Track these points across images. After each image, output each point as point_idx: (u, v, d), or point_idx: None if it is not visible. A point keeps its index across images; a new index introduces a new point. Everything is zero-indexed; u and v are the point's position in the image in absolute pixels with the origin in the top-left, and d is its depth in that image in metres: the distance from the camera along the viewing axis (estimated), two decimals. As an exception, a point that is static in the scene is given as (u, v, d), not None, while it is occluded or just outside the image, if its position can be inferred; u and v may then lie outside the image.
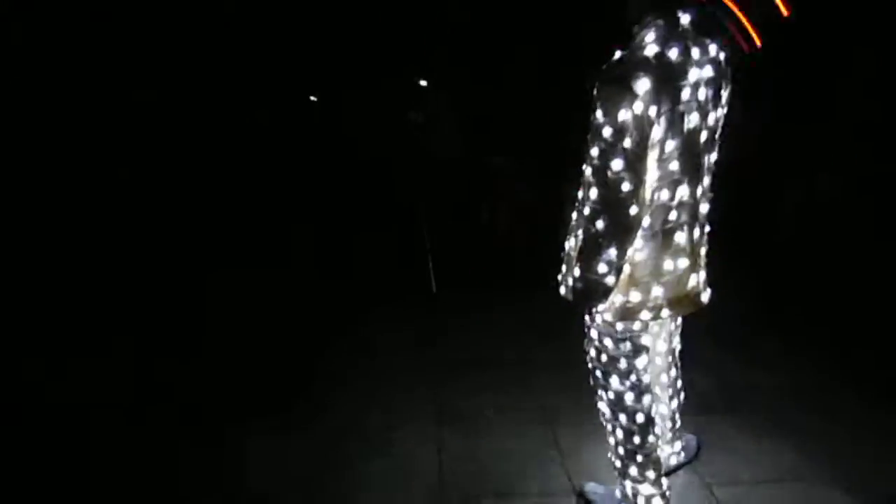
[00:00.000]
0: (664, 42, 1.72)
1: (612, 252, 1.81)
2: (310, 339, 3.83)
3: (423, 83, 13.12)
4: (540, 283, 4.97)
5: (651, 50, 1.71)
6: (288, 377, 3.35)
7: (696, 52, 1.74)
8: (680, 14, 1.76)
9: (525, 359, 3.51)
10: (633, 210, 1.77)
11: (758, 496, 2.36)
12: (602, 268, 1.84)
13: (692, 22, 1.76)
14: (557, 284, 2.15)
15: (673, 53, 1.71)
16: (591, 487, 2.36)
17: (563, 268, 2.13)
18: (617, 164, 1.72)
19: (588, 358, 2.18)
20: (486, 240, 6.13)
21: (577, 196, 2.02)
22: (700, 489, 2.39)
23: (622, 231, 1.79)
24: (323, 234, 6.43)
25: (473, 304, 4.39)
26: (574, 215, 2.04)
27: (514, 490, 2.42)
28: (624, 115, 1.69)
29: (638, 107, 1.68)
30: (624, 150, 1.71)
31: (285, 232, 6.59)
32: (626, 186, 1.74)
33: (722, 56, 1.82)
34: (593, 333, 2.11)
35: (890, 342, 3.53)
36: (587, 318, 2.13)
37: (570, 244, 2.05)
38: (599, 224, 1.80)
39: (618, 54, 1.75)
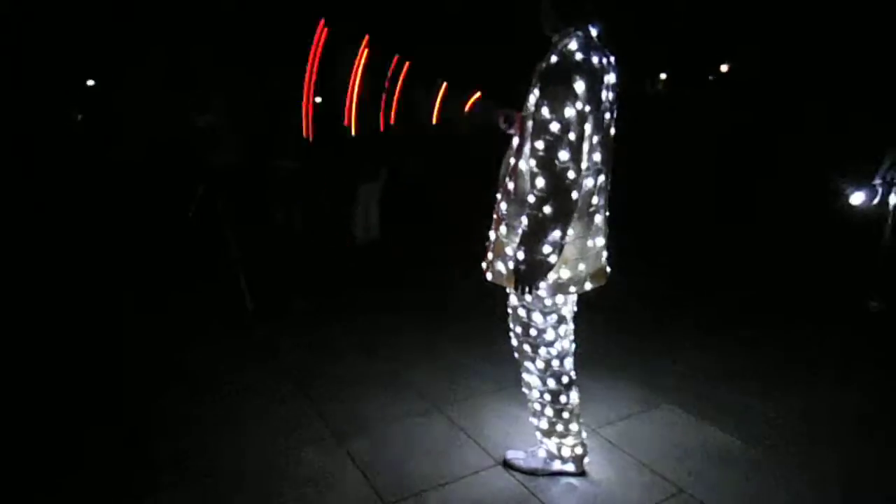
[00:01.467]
0: (586, 50, 2.02)
1: (557, 234, 2.06)
2: (140, 385, 3.28)
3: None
4: (357, 283, 5.05)
5: (579, 56, 2.00)
6: (136, 428, 2.83)
7: (605, 60, 2.09)
8: (591, 27, 2.09)
9: (380, 359, 3.58)
10: (575, 195, 2.04)
11: (631, 427, 2.87)
12: (547, 248, 2.07)
13: (598, 35, 2.11)
14: (482, 272, 2.34)
15: (595, 60, 2.03)
16: (513, 454, 2.59)
17: (490, 255, 2.31)
18: (564, 155, 1.98)
19: (514, 335, 2.40)
20: (283, 243, 5.89)
21: (503, 190, 2.23)
22: (591, 435, 2.79)
23: (566, 214, 2.05)
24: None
25: (300, 314, 4.27)
26: (503, 207, 2.23)
27: (446, 476, 2.51)
28: (569, 112, 1.95)
29: (578, 105, 1.96)
30: (570, 142, 1.97)
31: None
32: (570, 175, 2.00)
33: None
34: (521, 312, 2.33)
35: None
36: (513, 298, 2.35)
37: (502, 232, 2.24)
38: (547, 209, 2.02)
39: (553, 59, 2.01)
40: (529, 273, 2.12)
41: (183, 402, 3.08)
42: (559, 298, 2.29)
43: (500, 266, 2.28)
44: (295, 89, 5.97)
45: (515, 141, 2.22)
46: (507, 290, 2.37)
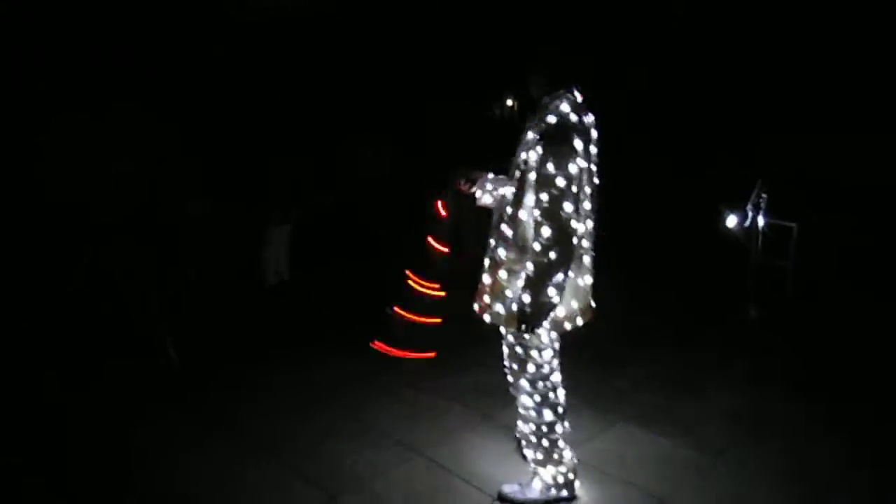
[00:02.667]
0: (576, 111, 2.25)
1: (560, 277, 2.24)
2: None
3: None
4: (279, 334, 4.79)
5: (574, 117, 2.22)
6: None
7: (589, 119, 2.33)
8: (574, 90, 2.32)
9: (339, 409, 3.51)
10: (575, 241, 2.24)
11: (599, 446, 3.10)
12: (552, 291, 2.24)
13: (581, 97, 2.34)
14: (478, 314, 2.46)
15: (585, 119, 2.26)
16: (508, 488, 2.69)
17: (487, 298, 2.44)
18: (568, 207, 2.17)
19: (512, 371, 2.54)
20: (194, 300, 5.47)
21: (499, 237, 2.38)
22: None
23: (568, 259, 2.24)
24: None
25: (234, 374, 4.03)
26: (501, 253, 2.38)
27: (452, 520, 2.56)
28: (572, 168, 2.15)
29: (578, 161, 2.17)
30: (573, 194, 2.17)
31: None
32: (573, 223, 2.20)
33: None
34: (520, 350, 2.48)
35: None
36: (511, 337, 2.49)
37: (501, 276, 2.38)
38: (552, 255, 2.20)
39: (552, 119, 2.20)
40: (535, 314, 2.27)
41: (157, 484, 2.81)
42: (553, 335, 2.47)
43: (498, 308, 2.41)
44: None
45: (509, 191, 2.38)
46: (505, 331, 2.51)
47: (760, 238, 5.06)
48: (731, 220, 5.03)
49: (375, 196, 7.01)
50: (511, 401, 2.70)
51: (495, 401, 3.33)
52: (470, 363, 3.94)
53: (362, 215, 6.95)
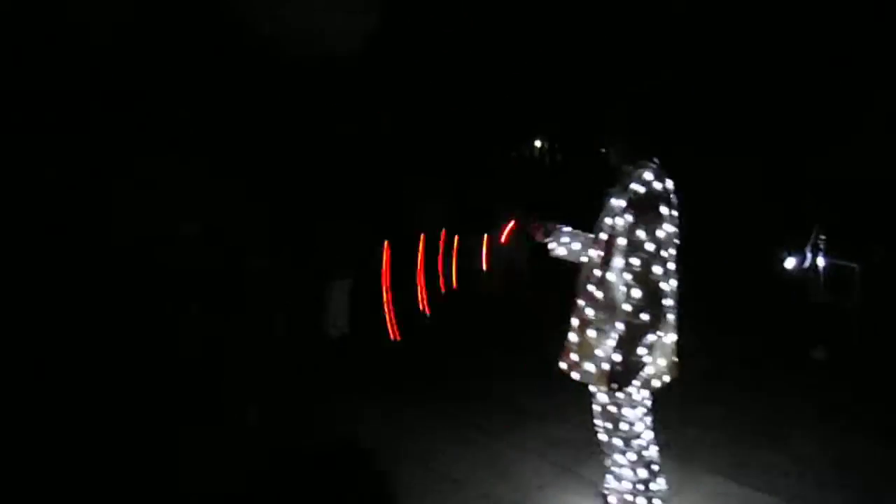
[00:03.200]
0: (659, 178, 2.37)
1: (651, 337, 2.33)
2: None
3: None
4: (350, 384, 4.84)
5: (658, 185, 2.34)
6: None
7: (670, 185, 2.45)
8: (655, 160, 2.45)
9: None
10: (665, 302, 2.34)
11: (687, 499, 3.10)
12: (642, 350, 2.33)
13: (660, 165, 2.47)
14: (565, 372, 2.56)
15: (668, 186, 2.38)
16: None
17: (576, 357, 2.53)
18: (658, 270, 2.28)
19: (605, 430, 2.60)
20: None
21: (587, 298, 2.49)
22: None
23: (657, 320, 2.33)
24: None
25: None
26: (590, 313, 2.48)
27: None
28: (660, 234, 2.27)
29: (666, 227, 2.29)
30: (662, 258, 2.28)
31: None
32: (663, 285, 2.30)
33: None
34: (612, 409, 2.55)
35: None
36: (602, 396, 2.56)
37: (590, 336, 2.47)
38: (644, 316, 2.29)
39: (640, 189, 2.33)
40: (626, 373, 2.35)
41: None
42: (644, 392, 2.54)
43: (588, 366, 2.50)
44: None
45: (597, 254, 2.50)
46: (595, 390, 2.58)
47: (822, 279, 5.06)
48: (790, 262, 5.05)
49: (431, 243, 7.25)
50: (596, 456, 2.75)
51: (579, 454, 3.37)
52: (548, 415, 3.99)
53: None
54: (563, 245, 2.78)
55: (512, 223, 2.94)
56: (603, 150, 2.60)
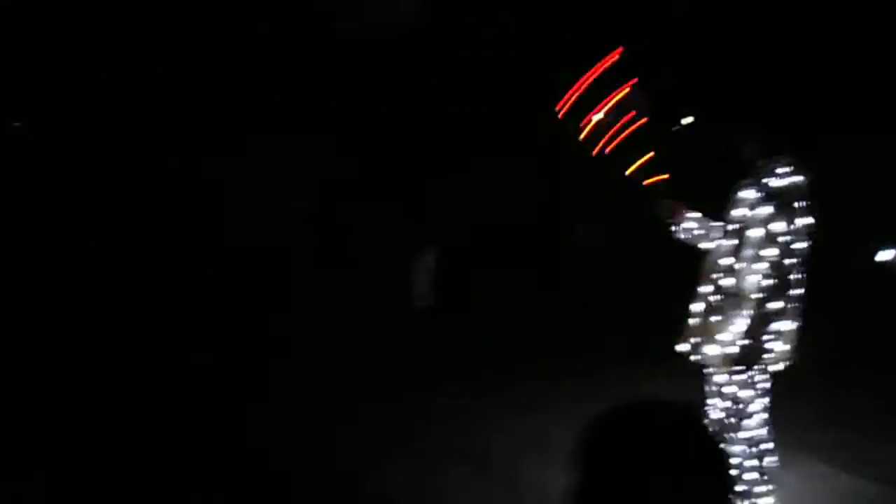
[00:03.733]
0: (795, 173, 2.45)
1: (777, 324, 2.45)
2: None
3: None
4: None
5: (793, 179, 2.43)
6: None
7: (799, 180, 2.52)
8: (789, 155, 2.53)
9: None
10: (793, 292, 2.44)
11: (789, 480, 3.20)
12: (768, 337, 2.46)
13: (793, 160, 2.55)
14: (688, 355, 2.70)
15: (797, 181, 2.46)
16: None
17: (696, 339, 2.67)
18: (789, 261, 2.39)
19: (722, 409, 2.74)
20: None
21: (714, 284, 2.61)
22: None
23: (785, 307, 2.44)
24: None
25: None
26: (716, 299, 2.61)
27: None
28: (793, 226, 2.37)
29: (800, 220, 2.38)
30: (793, 250, 2.38)
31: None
32: (792, 276, 2.40)
33: None
34: (728, 389, 2.68)
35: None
36: (720, 377, 2.69)
37: (716, 320, 2.60)
38: (773, 304, 2.41)
39: (778, 183, 2.43)
40: (753, 357, 2.48)
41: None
42: (763, 375, 2.66)
43: (709, 349, 2.64)
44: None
45: (727, 243, 2.61)
46: (713, 371, 2.72)
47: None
48: (887, 254, 4.93)
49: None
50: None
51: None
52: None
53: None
54: (689, 231, 2.90)
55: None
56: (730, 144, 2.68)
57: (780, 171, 2.46)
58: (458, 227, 7.12)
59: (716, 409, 2.77)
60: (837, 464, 3.36)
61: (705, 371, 2.78)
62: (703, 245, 2.84)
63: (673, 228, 2.94)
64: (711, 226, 2.82)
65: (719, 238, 2.71)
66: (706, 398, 2.82)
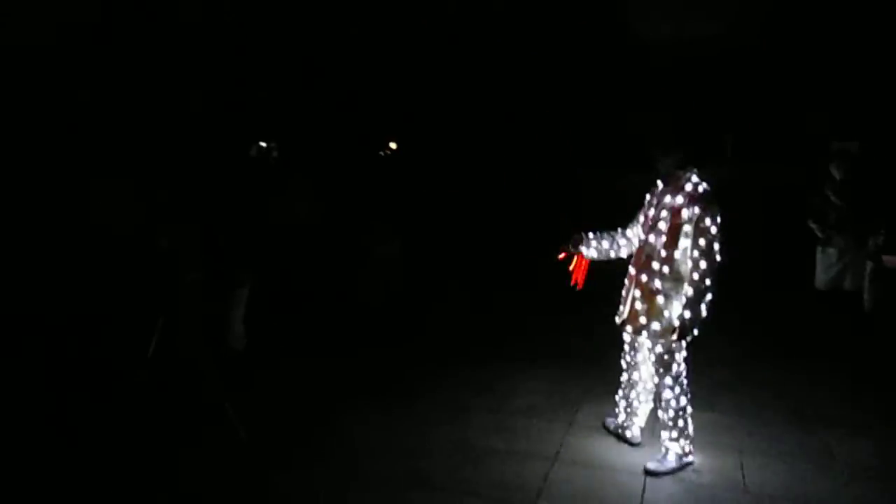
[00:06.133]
0: (707, 181, 3.23)
1: (709, 297, 3.18)
2: None
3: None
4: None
5: (706, 186, 3.19)
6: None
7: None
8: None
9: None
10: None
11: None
12: (704, 308, 3.18)
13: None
14: (634, 332, 3.31)
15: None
16: (652, 464, 3.50)
17: (644, 319, 3.30)
18: (717, 248, 3.14)
19: (660, 374, 3.39)
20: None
21: (651, 272, 3.25)
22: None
23: (713, 285, 3.18)
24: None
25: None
26: (658, 284, 3.25)
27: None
28: (718, 220, 3.13)
29: (719, 216, 3.16)
30: (720, 241, 3.14)
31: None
32: (718, 258, 3.16)
33: None
34: (667, 356, 3.34)
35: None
36: (660, 347, 3.34)
37: (659, 302, 3.26)
38: (707, 283, 3.14)
39: (700, 188, 3.15)
40: (692, 326, 3.18)
41: None
42: (685, 342, 3.39)
43: (655, 326, 3.28)
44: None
45: (658, 240, 3.27)
46: (654, 343, 3.35)
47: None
48: None
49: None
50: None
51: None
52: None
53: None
54: (594, 248, 3.56)
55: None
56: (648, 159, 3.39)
57: (696, 178, 3.23)
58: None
59: (655, 374, 3.43)
60: (737, 413, 4.28)
61: (646, 344, 3.41)
62: (611, 254, 3.56)
63: (583, 251, 3.61)
64: (610, 236, 3.61)
65: (628, 245, 3.48)
66: (637, 360, 3.48)
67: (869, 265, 5.89)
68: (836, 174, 6.06)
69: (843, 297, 6.15)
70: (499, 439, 3.93)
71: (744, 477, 3.48)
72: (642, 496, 3.29)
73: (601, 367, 4.76)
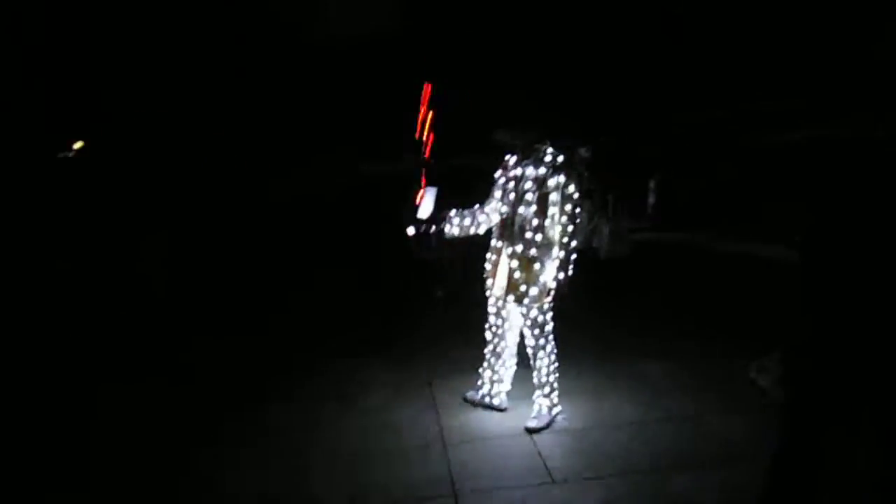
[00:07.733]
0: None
1: (573, 257, 3.48)
2: None
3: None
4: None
5: (558, 157, 3.48)
6: None
7: None
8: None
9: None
10: (578, 236, 3.52)
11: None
12: (573, 268, 3.47)
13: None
14: (515, 301, 3.48)
15: None
16: (532, 422, 3.69)
17: (523, 287, 3.47)
18: (579, 211, 3.44)
19: (534, 335, 3.58)
20: None
21: (526, 240, 3.44)
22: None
23: (577, 247, 3.49)
24: None
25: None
26: (533, 251, 3.43)
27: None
28: (579, 187, 3.44)
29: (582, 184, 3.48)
30: (582, 206, 3.45)
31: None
32: (579, 222, 3.48)
33: None
34: (541, 318, 3.55)
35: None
36: (535, 311, 3.54)
37: (536, 268, 3.44)
38: (574, 244, 3.42)
39: (559, 158, 3.40)
40: (566, 285, 3.45)
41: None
42: (552, 304, 3.65)
43: (533, 291, 3.47)
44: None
45: (528, 210, 3.44)
46: (529, 309, 3.53)
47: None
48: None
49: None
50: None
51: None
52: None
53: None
54: (457, 226, 3.65)
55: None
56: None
57: (553, 150, 3.48)
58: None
59: (532, 338, 3.62)
60: (600, 371, 4.55)
61: (521, 311, 3.58)
62: (473, 229, 3.69)
63: (446, 229, 3.65)
64: (471, 212, 3.70)
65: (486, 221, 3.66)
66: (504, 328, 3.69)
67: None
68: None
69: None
70: (378, 440, 3.73)
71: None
72: (539, 453, 3.46)
73: (439, 348, 4.85)
